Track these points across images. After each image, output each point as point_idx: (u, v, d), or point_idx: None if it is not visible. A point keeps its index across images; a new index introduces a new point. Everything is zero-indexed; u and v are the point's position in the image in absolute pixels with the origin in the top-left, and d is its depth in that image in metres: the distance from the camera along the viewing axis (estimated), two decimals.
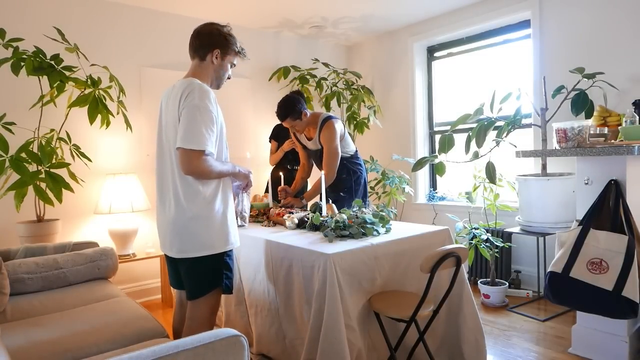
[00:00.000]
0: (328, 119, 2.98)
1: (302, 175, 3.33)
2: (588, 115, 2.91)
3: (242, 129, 3.89)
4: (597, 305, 2.11)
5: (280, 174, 3.31)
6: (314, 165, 3.31)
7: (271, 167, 3.86)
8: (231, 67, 1.96)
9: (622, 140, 2.31)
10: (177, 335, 2.06)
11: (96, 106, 3.03)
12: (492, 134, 3.05)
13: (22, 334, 1.86)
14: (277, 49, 4.66)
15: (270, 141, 3.86)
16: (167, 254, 1.90)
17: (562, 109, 3.18)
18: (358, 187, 3.12)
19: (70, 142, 3.12)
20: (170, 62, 3.91)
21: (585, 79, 2.95)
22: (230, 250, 1.91)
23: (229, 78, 1.99)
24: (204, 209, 1.77)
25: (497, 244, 3.36)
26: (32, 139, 2.89)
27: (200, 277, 1.82)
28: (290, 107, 2.90)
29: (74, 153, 3.12)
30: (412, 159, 4.43)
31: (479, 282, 3.43)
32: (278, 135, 3.78)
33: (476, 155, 3.09)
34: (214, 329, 2.13)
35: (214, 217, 1.80)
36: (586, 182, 2.39)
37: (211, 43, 1.86)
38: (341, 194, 3.07)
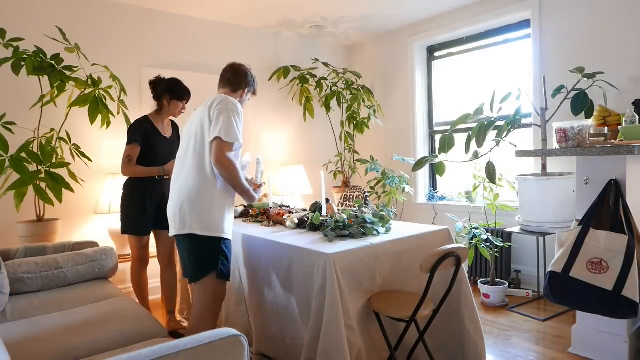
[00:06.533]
0: None
1: None
2: (588, 115, 2.91)
3: (242, 129, 3.90)
4: (597, 305, 2.11)
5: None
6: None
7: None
8: (247, 100, 2.36)
9: (622, 140, 2.31)
10: None
11: (97, 106, 3.03)
12: (492, 134, 3.05)
13: (22, 333, 1.86)
14: (277, 49, 4.66)
15: (133, 143, 2.76)
16: (170, 234, 2.13)
17: (562, 109, 3.17)
18: None
19: (70, 142, 3.12)
20: (170, 62, 3.91)
21: (585, 79, 2.95)
22: (227, 240, 2.10)
23: None
24: (208, 196, 2.02)
25: (497, 244, 3.36)
26: (32, 139, 2.89)
27: (197, 258, 2.03)
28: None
29: (74, 153, 3.12)
30: (412, 159, 4.43)
31: (479, 282, 3.43)
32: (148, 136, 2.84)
33: (476, 155, 3.08)
34: (218, 322, 2.27)
35: (215, 205, 2.02)
36: (586, 181, 2.39)
37: (245, 82, 2.26)
38: None
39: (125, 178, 2.85)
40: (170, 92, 2.82)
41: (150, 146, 2.80)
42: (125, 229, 2.82)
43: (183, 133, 2.25)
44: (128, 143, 2.77)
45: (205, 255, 2.03)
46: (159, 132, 2.85)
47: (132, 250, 2.91)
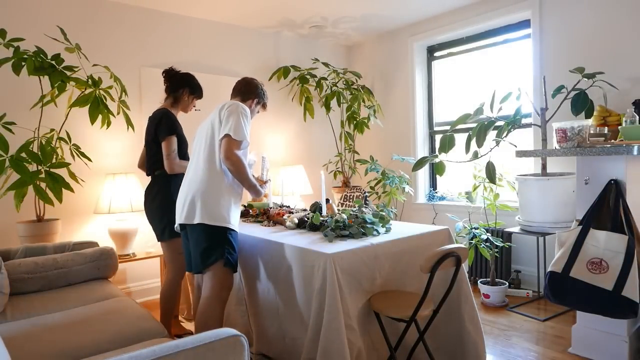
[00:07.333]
0: None
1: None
2: (588, 115, 2.91)
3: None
4: (597, 305, 2.11)
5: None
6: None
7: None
8: (256, 112, 2.51)
9: (622, 140, 2.31)
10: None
11: (97, 106, 3.03)
12: (492, 134, 3.05)
13: (22, 334, 1.86)
14: (277, 49, 4.66)
15: (174, 134, 2.64)
16: (179, 223, 2.24)
17: (562, 109, 3.18)
18: None
19: (70, 142, 3.12)
20: (171, 62, 3.91)
21: (585, 79, 2.95)
22: (234, 231, 2.19)
23: None
24: (217, 189, 2.14)
25: (497, 244, 3.36)
26: (32, 139, 2.89)
27: (204, 247, 2.12)
28: None
29: (74, 153, 3.12)
30: (412, 158, 4.43)
31: (479, 282, 3.43)
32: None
33: (476, 155, 3.09)
34: (224, 313, 2.37)
35: (222, 197, 2.14)
36: (586, 181, 2.39)
37: (255, 93, 2.44)
38: None
39: (143, 182, 2.69)
40: (191, 87, 2.76)
41: (181, 138, 2.70)
42: (171, 233, 2.57)
43: (196, 135, 2.35)
44: (168, 135, 2.56)
45: (213, 244, 2.12)
46: (180, 124, 2.76)
47: (176, 258, 2.64)
